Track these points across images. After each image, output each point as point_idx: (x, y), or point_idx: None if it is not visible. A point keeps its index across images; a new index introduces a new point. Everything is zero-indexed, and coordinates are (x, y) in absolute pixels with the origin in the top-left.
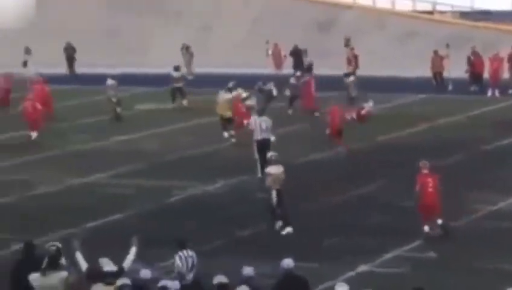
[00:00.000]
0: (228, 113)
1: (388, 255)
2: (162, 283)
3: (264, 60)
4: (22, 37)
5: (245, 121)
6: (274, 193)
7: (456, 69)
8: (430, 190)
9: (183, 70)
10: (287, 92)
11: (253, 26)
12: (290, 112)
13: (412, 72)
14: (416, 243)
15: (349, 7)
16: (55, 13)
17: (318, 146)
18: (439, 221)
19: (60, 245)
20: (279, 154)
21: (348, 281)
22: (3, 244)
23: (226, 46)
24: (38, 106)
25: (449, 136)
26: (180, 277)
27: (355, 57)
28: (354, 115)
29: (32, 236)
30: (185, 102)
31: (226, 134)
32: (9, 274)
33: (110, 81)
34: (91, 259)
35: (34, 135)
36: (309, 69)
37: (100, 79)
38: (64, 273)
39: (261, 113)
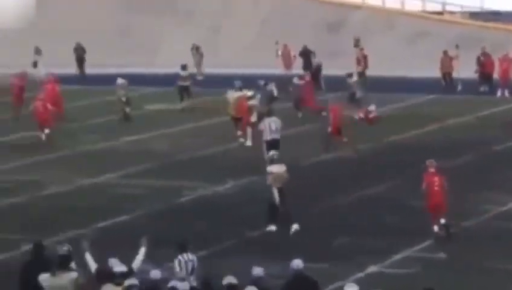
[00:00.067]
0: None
1: (398, 256)
2: (171, 283)
3: (274, 61)
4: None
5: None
6: (275, 192)
7: (465, 70)
8: (436, 188)
9: (191, 69)
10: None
11: (262, 27)
12: (299, 115)
13: (421, 72)
14: (426, 243)
15: (358, 7)
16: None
17: (334, 146)
18: (442, 221)
19: (70, 247)
20: (289, 154)
21: (357, 282)
22: (13, 244)
23: (236, 47)
24: (49, 106)
25: (458, 136)
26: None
27: (365, 57)
28: (362, 115)
29: (42, 236)
30: (190, 102)
31: (239, 133)
32: (19, 275)
33: (120, 80)
34: (100, 259)
35: (43, 135)
36: (317, 70)
37: (110, 79)
38: (74, 274)
39: (270, 114)
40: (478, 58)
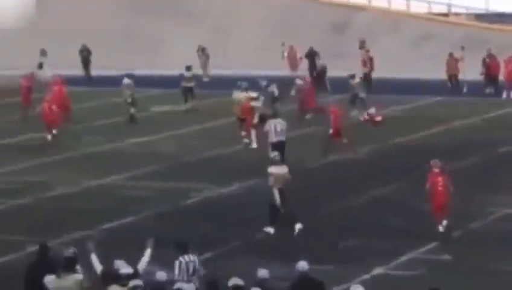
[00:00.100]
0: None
1: (403, 258)
2: (177, 285)
3: (280, 62)
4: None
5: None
6: (276, 192)
7: (471, 72)
8: (440, 188)
9: (195, 70)
10: (293, 93)
11: (268, 28)
12: (307, 117)
13: (427, 74)
14: (432, 245)
15: (363, 9)
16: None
17: (335, 148)
18: (444, 222)
19: (76, 250)
20: (296, 156)
21: (363, 284)
22: (18, 246)
23: (242, 48)
24: (54, 108)
25: (464, 138)
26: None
27: (371, 59)
28: (367, 117)
29: (48, 238)
30: (194, 103)
31: (243, 133)
32: (24, 276)
33: (126, 80)
34: (106, 261)
35: (49, 136)
36: (322, 72)
37: (116, 81)
38: (79, 276)
39: (275, 115)
40: (484, 60)
